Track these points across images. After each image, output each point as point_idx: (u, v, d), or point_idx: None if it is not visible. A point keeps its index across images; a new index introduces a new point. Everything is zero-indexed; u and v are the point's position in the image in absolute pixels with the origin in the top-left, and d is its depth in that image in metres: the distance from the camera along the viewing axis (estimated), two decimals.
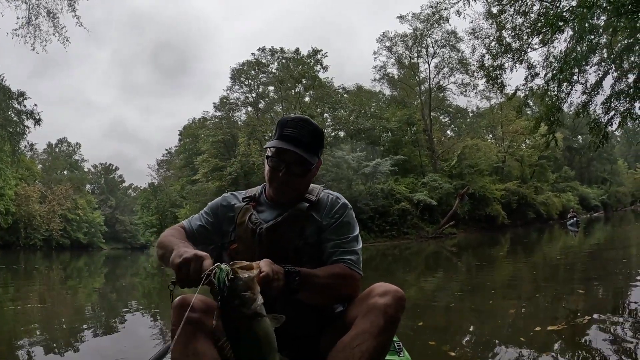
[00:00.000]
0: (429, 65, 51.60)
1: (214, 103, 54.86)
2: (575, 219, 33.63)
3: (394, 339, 2.47)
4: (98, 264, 31.50)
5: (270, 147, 2.17)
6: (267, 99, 55.48)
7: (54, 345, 5.39)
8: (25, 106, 37.77)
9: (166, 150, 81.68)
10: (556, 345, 4.24)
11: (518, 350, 4.24)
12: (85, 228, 79.61)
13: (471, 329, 5.56)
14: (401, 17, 48.86)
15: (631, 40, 14.71)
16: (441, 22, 37.28)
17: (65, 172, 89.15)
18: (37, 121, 37.18)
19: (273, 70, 53.42)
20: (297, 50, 52.63)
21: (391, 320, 1.86)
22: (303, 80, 51.98)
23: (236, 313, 1.52)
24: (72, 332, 6.19)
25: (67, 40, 19.72)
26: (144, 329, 6.24)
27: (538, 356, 4.02)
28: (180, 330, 1.80)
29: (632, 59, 15.23)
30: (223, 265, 1.60)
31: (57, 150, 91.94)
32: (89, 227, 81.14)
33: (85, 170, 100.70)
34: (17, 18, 19.19)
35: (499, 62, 16.93)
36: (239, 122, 53.47)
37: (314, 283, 1.90)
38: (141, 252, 61.13)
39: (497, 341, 4.77)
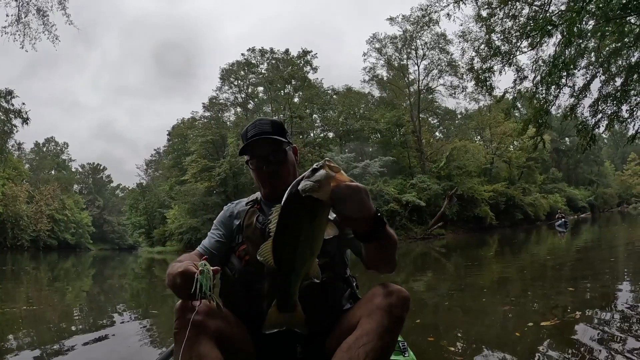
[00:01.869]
0: (419, 67, 51.72)
1: (203, 103, 54.86)
2: (563, 219, 33.83)
3: (399, 338, 2.49)
4: (86, 265, 31.29)
5: (246, 152, 2.30)
6: (256, 100, 55.56)
7: (43, 349, 5.31)
8: (13, 105, 37.45)
9: (155, 150, 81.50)
10: (549, 339, 4.38)
11: (513, 344, 4.41)
12: (73, 228, 79.15)
13: (467, 325, 5.70)
14: (391, 19, 48.91)
15: (619, 44, 14.90)
16: (431, 24, 37.53)
17: (52, 172, 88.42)
18: (25, 120, 36.92)
19: (262, 71, 53.50)
20: (286, 51, 52.67)
21: (396, 320, 1.88)
22: (292, 81, 51.94)
23: (297, 199, 1.48)
24: (61, 336, 6.11)
25: (56, 39, 19.59)
26: (134, 332, 6.17)
27: (532, 349, 4.16)
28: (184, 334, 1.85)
29: (620, 62, 15.41)
30: (205, 268, 1.71)
31: (44, 149, 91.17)
32: (76, 227, 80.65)
33: (73, 170, 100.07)
34: (7, 15, 19.06)
35: (488, 64, 17.01)
36: (228, 123, 53.41)
37: (390, 236, 1.85)
38: (129, 253, 60.76)
39: (493, 336, 4.97)
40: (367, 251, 1.92)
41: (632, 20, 13.31)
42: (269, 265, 1.60)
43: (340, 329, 2.04)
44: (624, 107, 15.81)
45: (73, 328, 6.63)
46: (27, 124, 37.24)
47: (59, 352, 5.17)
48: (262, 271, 2.11)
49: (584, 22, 12.27)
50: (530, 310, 6.10)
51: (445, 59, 49.31)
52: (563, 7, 14.51)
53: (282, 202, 1.53)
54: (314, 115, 53.42)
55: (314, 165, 1.52)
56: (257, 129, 2.27)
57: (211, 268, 1.76)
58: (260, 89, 55.28)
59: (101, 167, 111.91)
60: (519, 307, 6.47)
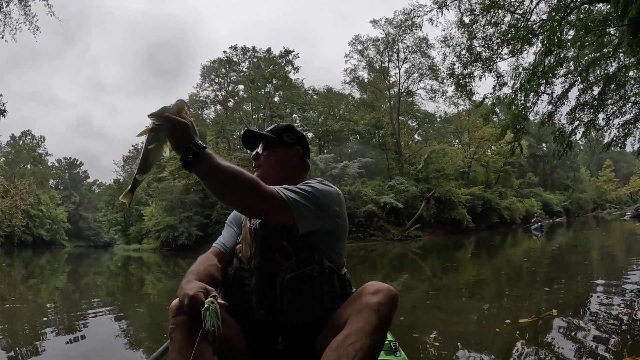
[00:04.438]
0: (399, 70, 51.98)
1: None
2: (539, 223, 34.35)
3: (390, 338, 2.53)
4: (61, 262, 30.95)
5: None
6: (236, 98, 55.21)
7: (17, 349, 5.23)
8: None
9: (132, 146, 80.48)
10: (527, 335, 4.61)
11: (494, 339, 4.66)
12: (48, 224, 77.41)
13: (449, 322, 5.88)
14: (374, 22, 49.10)
15: (597, 54, 15.19)
16: (413, 28, 37.74)
17: (28, 166, 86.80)
18: (2, 112, 36.24)
19: (244, 69, 53.21)
20: (268, 50, 52.62)
21: (384, 319, 1.86)
22: (273, 80, 51.88)
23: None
24: (36, 335, 6.01)
25: (37, 30, 19.29)
26: (111, 331, 6.11)
27: (512, 344, 4.38)
28: (177, 333, 1.90)
29: (598, 72, 15.72)
30: (212, 306, 1.77)
31: (20, 143, 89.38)
32: (51, 223, 78.89)
33: (49, 164, 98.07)
34: None
35: (469, 70, 17.20)
36: (208, 121, 53.15)
37: (212, 169, 1.87)
38: (105, 251, 60.01)
39: (474, 332, 5.18)
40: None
41: (612, 32, 13.59)
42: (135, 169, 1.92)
43: (330, 327, 2.03)
44: (601, 116, 16.22)
45: (48, 327, 6.52)
46: (4, 116, 36.34)
47: (35, 351, 5.10)
48: (251, 267, 2.16)
49: (564, 32, 12.50)
50: (508, 309, 6.33)
51: (426, 63, 49.63)
52: (544, 17, 14.77)
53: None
54: (294, 114, 53.39)
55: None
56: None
57: (219, 303, 1.81)
58: (241, 87, 54.97)
59: (78, 162, 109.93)
60: (498, 306, 6.69)
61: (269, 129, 2.47)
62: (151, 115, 1.86)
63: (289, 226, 2.06)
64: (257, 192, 1.91)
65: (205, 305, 1.77)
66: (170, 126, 1.83)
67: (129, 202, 1.98)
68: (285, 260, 2.08)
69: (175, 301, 1.97)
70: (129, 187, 1.95)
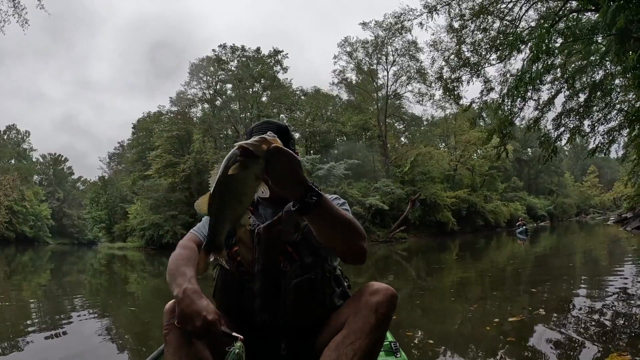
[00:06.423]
0: (388, 72, 52.06)
1: (171, 97, 54.18)
2: (524, 227, 34.51)
3: (391, 339, 2.56)
4: (44, 259, 30.69)
5: None
6: (224, 97, 54.97)
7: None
8: None
9: (118, 143, 79.61)
10: (516, 332, 4.79)
11: (484, 337, 4.81)
12: (32, 221, 75.94)
13: (439, 321, 6.08)
14: (364, 24, 49.16)
15: (584, 62, 15.37)
16: (403, 31, 37.84)
17: (12, 161, 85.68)
18: None
19: (232, 68, 52.94)
20: (257, 50, 52.38)
21: (383, 319, 1.88)
22: (262, 79, 51.75)
23: (233, 154, 1.60)
24: (17, 333, 5.94)
25: (26, 23, 19.13)
26: (93, 331, 6.00)
27: (502, 340, 4.59)
28: (173, 334, 1.88)
29: (584, 79, 15.90)
30: (240, 350, 1.73)
31: (5, 137, 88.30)
32: (35, 220, 77.51)
33: (34, 160, 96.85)
34: None
35: (457, 74, 17.34)
36: (195, 119, 52.87)
37: (331, 212, 1.78)
38: (89, 248, 59.46)
39: (465, 330, 5.36)
40: (313, 229, 1.89)
41: (599, 40, 13.75)
42: (202, 213, 1.69)
43: (329, 327, 2.04)
44: (586, 122, 16.44)
45: (31, 325, 6.51)
46: None
47: (17, 349, 5.06)
48: (253, 271, 2.12)
49: (552, 40, 12.62)
50: (496, 309, 6.48)
51: (414, 66, 49.78)
52: (533, 24, 14.92)
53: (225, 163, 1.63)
54: (281, 115, 53.14)
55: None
56: (262, 131, 2.23)
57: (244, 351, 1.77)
58: (229, 86, 54.60)
59: (62, 158, 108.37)
60: (485, 306, 6.82)
61: (269, 127, 2.37)
62: (247, 144, 1.59)
63: (292, 231, 2.09)
64: (364, 238, 1.92)
65: (236, 351, 1.73)
66: (283, 160, 1.63)
67: (225, 260, 1.80)
68: (289, 265, 2.08)
69: (171, 303, 1.94)
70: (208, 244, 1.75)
